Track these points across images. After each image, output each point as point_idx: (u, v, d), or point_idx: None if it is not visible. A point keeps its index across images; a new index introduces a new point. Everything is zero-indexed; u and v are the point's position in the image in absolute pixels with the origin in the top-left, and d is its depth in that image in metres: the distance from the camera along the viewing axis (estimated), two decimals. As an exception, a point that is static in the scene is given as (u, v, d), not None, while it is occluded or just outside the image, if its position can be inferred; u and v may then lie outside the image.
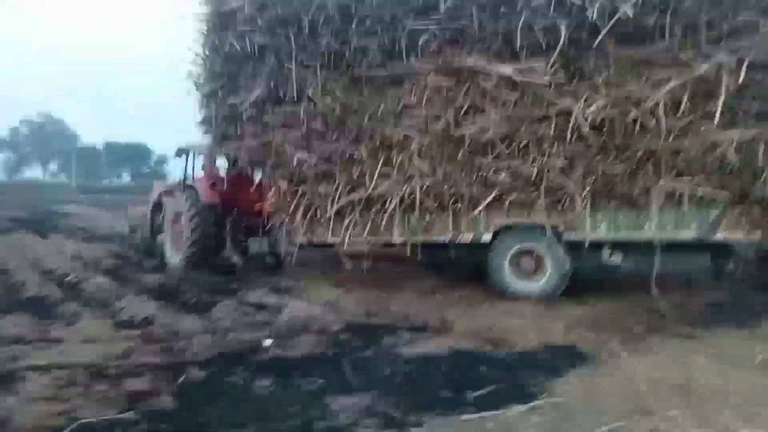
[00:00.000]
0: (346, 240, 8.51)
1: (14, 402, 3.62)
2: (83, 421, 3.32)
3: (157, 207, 12.91)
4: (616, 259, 8.26)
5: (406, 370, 4.52)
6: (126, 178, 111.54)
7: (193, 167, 11.76)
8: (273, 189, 8.77)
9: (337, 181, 8.32)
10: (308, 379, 4.23)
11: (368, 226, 8.47)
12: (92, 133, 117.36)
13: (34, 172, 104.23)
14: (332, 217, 8.40)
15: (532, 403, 3.69)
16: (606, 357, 5.00)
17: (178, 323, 5.87)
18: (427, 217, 8.38)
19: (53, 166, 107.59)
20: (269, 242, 10.19)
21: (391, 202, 8.15)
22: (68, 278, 8.78)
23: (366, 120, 8.18)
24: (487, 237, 8.35)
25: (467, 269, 9.61)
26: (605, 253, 8.20)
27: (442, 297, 7.97)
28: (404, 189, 8.09)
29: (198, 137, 11.72)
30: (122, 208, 26.06)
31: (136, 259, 11.47)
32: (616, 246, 8.15)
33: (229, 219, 10.63)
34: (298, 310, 6.62)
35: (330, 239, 8.69)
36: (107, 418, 3.40)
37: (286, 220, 8.85)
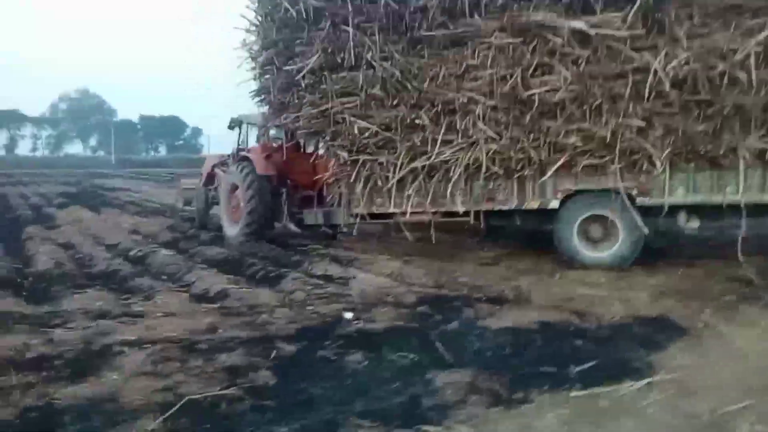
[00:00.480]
0: (408, 210, 8.43)
1: (117, 378, 3.65)
2: (191, 397, 3.32)
3: (210, 179, 13.06)
4: (693, 224, 7.96)
5: (498, 343, 4.42)
6: (162, 150, 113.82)
7: (247, 139, 11.78)
8: (332, 159, 8.67)
9: (398, 149, 8.18)
10: (399, 353, 4.17)
11: (430, 194, 8.35)
12: (128, 108, 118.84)
13: (74, 148, 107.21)
14: (394, 186, 8.29)
15: (646, 380, 3.54)
16: (703, 329, 4.81)
17: (254, 296, 5.88)
18: (491, 184, 8.22)
19: (93, 142, 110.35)
20: (324, 214, 10.16)
21: (455, 169, 7.99)
22: (133, 252, 8.95)
23: (427, 84, 8.00)
24: (554, 203, 8.13)
25: (530, 238, 9.46)
26: (681, 218, 7.91)
27: (508, 267, 7.81)
28: (469, 155, 7.91)
29: (247, 109, 11.88)
30: (165, 181, 26.40)
31: (193, 232, 11.61)
32: (693, 210, 7.87)
33: (284, 190, 10.63)
34: (366, 282, 6.57)
35: (391, 209, 8.60)
36: (212, 393, 3.40)
37: (345, 190, 8.79)
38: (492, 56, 7.70)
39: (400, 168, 8.17)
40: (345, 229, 10.58)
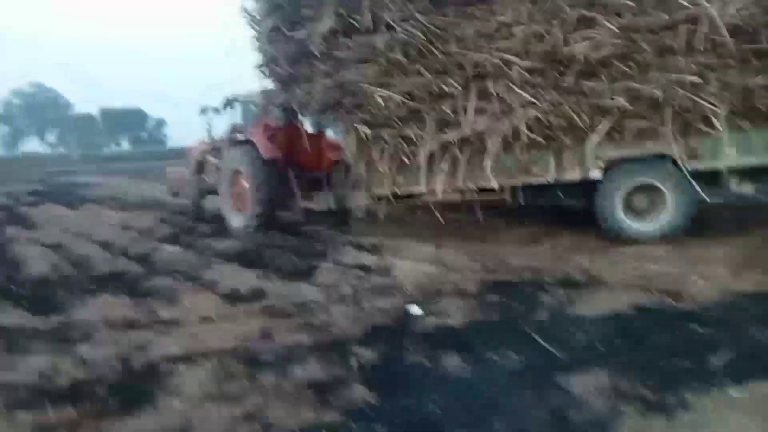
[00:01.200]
0: (439, 188, 7.82)
1: (180, 405, 3.00)
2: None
3: (201, 167, 12.24)
4: (747, 188, 7.52)
5: (606, 334, 3.87)
6: (125, 144, 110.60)
7: (246, 120, 10.99)
8: (348, 136, 7.97)
9: (426, 121, 7.54)
10: (500, 353, 3.59)
11: (462, 170, 7.75)
12: (85, 103, 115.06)
13: (31, 145, 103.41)
14: (423, 162, 7.66)
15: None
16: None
17: (295, 293, 5.23)
18: (526, 156, 7.63)
19: (51, 138, 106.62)
20: (337, 197, 9.51)
21: (491, 140, 7.39)
22: (133, 249, 8.16)
23: (453, 46, 7.33)
24: (596, 173, 7.58)
25: (560, 215, 8.98)
26: (733, 182, 7.46)
27: (553, 246, 7.27)
28: (505, 124, 7.32)
29: (242, 88, 11.10)
30: (137, 173, 25.23)
31: (190, 224, 10.81)
32: (746, 174, 7.43)
33: (292, 173, 9.93)
34: (410, 271, 5.96)
35: (419, 189, 7.98)
36: (311, 423, 2.77)
37: (365, 170, 8.12)
38: (525, 11, 7.10)
39: (429, 142, 7.56)
40: (360, 214, 9.95)
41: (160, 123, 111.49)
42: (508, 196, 7.84)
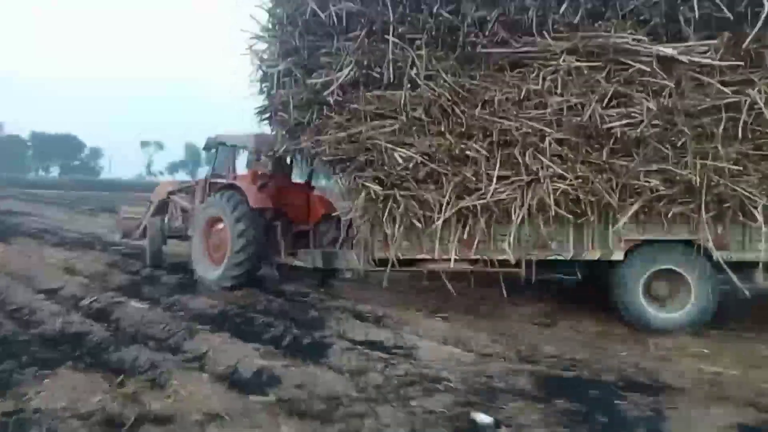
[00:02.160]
0: (452, 256, 7.06)
1: None
2: None
3: (162, 208, 11.07)
4: (769, 281, 7.17)
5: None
6: (55, 171, 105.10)
7: (232, 164, 9.98)
8: (359, 192, 7.13)
9: (444, 185, 6.86)
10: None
11: (477, 240, 7.04)
12: (15, 124, 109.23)
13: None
14: (438, 228, 6.90)
15: None
16: None
17: (315, 381, 4.24)
18: (545, 231, 7.03)
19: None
20: (325, 256, 8.58)
21: (516, 210, 6.75)
22: (87, 302, 6.90)
23: (479, 110, 6.78)
24: (618, 255, 7.05)
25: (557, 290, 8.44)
26: (759, 274, 7.09)
27: (575, 330, 6.62)
28: (530, 195, 6.72)
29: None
30: (66, 205, 23.23)
31: (147, 272, 9.54)
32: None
33: (279, 225, 8.97)
34: (438, 355, 5.10)
35: (426, 255, 7.20)
36: None
37: (368, 231, 7.28)
38: (560, 81, 6.67)
39: (448, 207, 6.84)
40: (348, 275, 9.02)
41: (96, 152, 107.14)
42: (524, 271, 7.16)
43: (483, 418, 3.61)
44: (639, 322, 6.92)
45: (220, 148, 10.09)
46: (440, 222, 6.83)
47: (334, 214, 9.68)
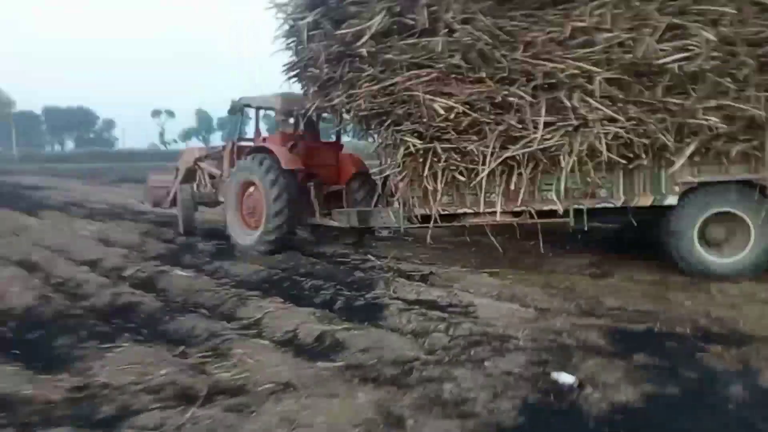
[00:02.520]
0: (498, 210, 6.86)
1: None
2: None
3: (190, 176, 10.95)
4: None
5: None
6: (70, 145, 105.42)
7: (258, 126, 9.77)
8: (399, 147, 6.88)
9: (487, 135, 6.58)
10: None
11: (522, 191, 6.81)
12: (29, 99, 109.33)
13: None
14: (483, 181, 6.67)
15: None
16: None
17: (378, 343, 4.10)
18: (594, 178, 6.75)
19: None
20: (360, 214, 8.41)
21: (565, 158, 6.48)
22: (130, 272, 6.83)
23: (521, 52, 6.41)
24: (672, 199, 6.76)
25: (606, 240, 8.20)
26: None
27: (630, 279, 6.40)
28: (579, 141, 6.42)
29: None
30: (89, 176, 23.30)
31: (183, 240, 9.46)
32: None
33: (312, 186, 8.80)
34: (497, 312, 4.94)
35: (470, 209, 7.01)
36: None
37: (408, 187, 7.09)
38: (608, 16, 6.25)
39: (491, 158, 6.59)
40: (385, 233, 8.88)
41: (109, 124, 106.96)
42: (572, 221, 6.92)
43: (565, 377, 3.45)
44: (696, 269, 6.68)
45: (245, 110, 9.86)
46: (485, 174, 6.61)
47: (364, 172, 9.50)
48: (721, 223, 6.78)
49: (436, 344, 4.15)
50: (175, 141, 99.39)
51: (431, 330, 4.43)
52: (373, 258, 7.58)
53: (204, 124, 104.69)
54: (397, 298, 5.48)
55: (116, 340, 4.29)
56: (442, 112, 6.43)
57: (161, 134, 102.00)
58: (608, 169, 6.62)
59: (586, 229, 6.83)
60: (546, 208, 6.86)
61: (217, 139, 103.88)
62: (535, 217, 6.94)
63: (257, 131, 9.89)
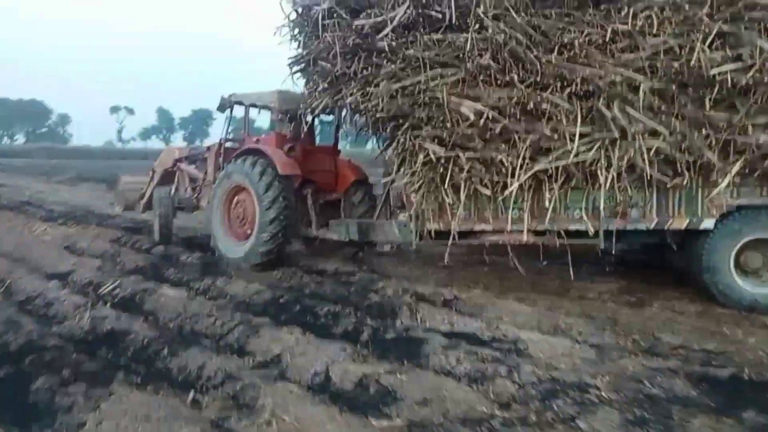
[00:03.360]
0: (525, 228, 6.25)
1: None
2: None
3: (168, 178, 10.04)
4: None
5: None
6: (21, 138, 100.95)
7: (246, 126, 8.98)
8: (416, 154, 6.20)
9: (517, 144, 5.97)
10: None
11: (551, 208, 6.22)
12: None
13: None
14: (512, 195, 6.05)
15: None
16: None
17: (435, 391, 3.41)
18: (624, 196, 6.22)
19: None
20: (362, 227, 7.69)
21: (601, 173, 5.89)
22: (108, 288, 5.93)
23: (556, 54, 5.79)
24: (708, 222, 6.27)
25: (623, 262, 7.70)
26: None
27: (671, 309, 5.88)
28: (621, 155, 5.86)
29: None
30: (41, 174, 21.86)
31: (161, 249, 8.52)
32: None
33: (309, 192, 8.04)
34: (553, 351, 4.29)
35: (493, 226, 6.39)
36: None
37: (424, 199, 6.41)
38: (654, 20, 5.74)
39: (523, 169, 5.97)
40: (387, 249, 8.17)
41: (64, 119, 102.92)
42: (602, 242, 6.35)
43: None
44: (729, 298, 6.18)
45: (235, 108, 9.03)
46: (514, 187, 5.98)
47: (364, 180, 8.82)
48: (759, 249, 6.34)
49: (504, 394, 3.48)
50: (134, 139, 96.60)
51: (490, 374, 3.75)
52: (381, 278, 6.86)
53: (165, 122, 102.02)
54: (430, 329, 4.80)
55: (109, 383, 3.46)
56: (471, 116, 5.79)
57: (119, 131, 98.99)
58: (640, 187, 6.11)
59: (614, 252, 6.26)
60: (573, 227, 6.29)
61: (178, 139, 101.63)
62: (562, 237, 6.39)
63: (247, 131, 9.10)
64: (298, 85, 7.37)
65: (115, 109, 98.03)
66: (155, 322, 4.97)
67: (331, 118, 8.73)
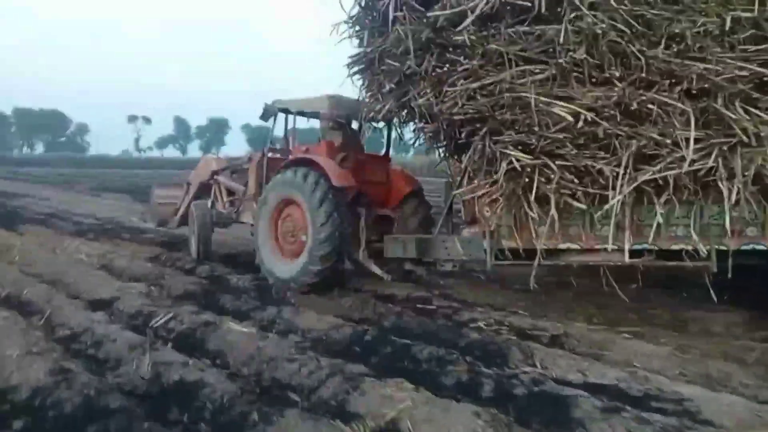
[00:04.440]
0: (626, 247, 5.31)
1: None
2: None
3: (204, 190, 9.19)
4: None
5: None
6: (40, 148, 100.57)
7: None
8: (501, 162, 5.27)
9: (618, 151, 5.03)
10: None
11: (656, 225, 5.27)
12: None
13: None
14: (615, 210, 5.10)
15: None
16: None
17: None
18: (731, 212, 5.22)
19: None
20: (421, 244, 6.79)
21: (722, 184, 4.94)
22: (161, 320, 5.03)
23: (662, 49, 4.79)
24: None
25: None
26: None
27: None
28: (742, 162, 4.90)
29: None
30: (61, 183, 21.02)
31: (206, 269, 7.59)
32: None
33: (362, 209, 7.15)
34: (736, 413, 3.36)
35: (586, 244, 5.46)
36: None
37: (503, 213, 5.51)
38: None
39: (626, 180, 5.04)
40: (448, 267, 7.24)
41: (82, 128, 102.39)
42: (714, 265, 5.40)
43: None
44: None
45: (276, 115, 8.15)
46: (617, 200, 5.04)
47: (419, 192, 7.93)
48: None
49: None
50: (150, 148, 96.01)
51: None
52: (463, 306, 5.93)
53: (182, 131, 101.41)
54: (561, 380, 3.86)
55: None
56: (569, 118, 4.83)
57: (137, 140, 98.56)
58: (759, 200, 5.15)
59: (730, 275, 5.24)
60: (676, 247, 5.31)
61: (194, 149, 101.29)
62: (665, 258, 5.46)
63: (292, 140, 8.24)
64: (354, 87, 6.51)
65: (132, 118, 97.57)
66: (227, 369, 4.06)
67: (382, 124, 7.85)
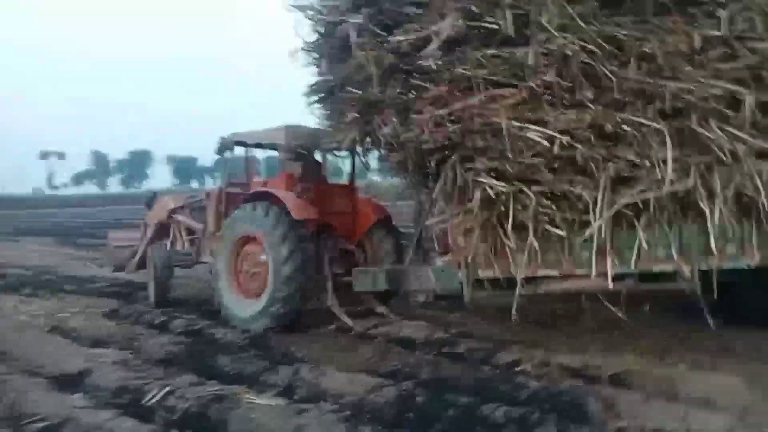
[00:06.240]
0: (610, 272, 4.89)
1: None
2: None
3: (162, 231, 8.28)
4: None
5: None
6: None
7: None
8: (475, 190, 4.88)
9: (596, 174, 4.75)
10: None
11: (637, 248, 4.93)
12: None
13: None
14: (594, 237, 4.80)
15: None
16: None
17: None
18: (711, 230, 4.91)
19: None
20: (392, 275, 6.34)
21: (703, 203, 4.81)
22: (155, 397, 4.13)
23: (633, 68, 4.63)
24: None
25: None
26: None
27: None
28: (721, 182, 4.63)
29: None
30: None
31: (182, 323, 6.51)
32: None
33: (325, 241, 6.58)
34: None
35: (564, 271, 5.03)
36: None
37: (478, 242, 5.08)
38: (761, 22, 4.61)
39: (604, 206, 4.81)
40: (421, 299, 6.83)
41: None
42: (698, 286, 4.97)
43: None
44: None
45: (235, 150, 7.44)
46: (598, 225, 4.79)
47: (387, 220, 7.48)
48: None
49: None
50: (66, 185, 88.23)
51: None
52: (488, 343, 5.41)
53: (100, 166, 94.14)
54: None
55: None
56: (544, 142, 4.52)
57: (49, 178, 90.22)
58: (738, 218, 4.84)
59: (716, 296, 4.88)
60: (657, 269, 5.02)
61: (114, 184, 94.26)
62: (647, 281, 5.21)
63: (251, 175, 7.58)
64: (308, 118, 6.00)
65: (45, 155, 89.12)
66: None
67: (345, 153, 7.35)
